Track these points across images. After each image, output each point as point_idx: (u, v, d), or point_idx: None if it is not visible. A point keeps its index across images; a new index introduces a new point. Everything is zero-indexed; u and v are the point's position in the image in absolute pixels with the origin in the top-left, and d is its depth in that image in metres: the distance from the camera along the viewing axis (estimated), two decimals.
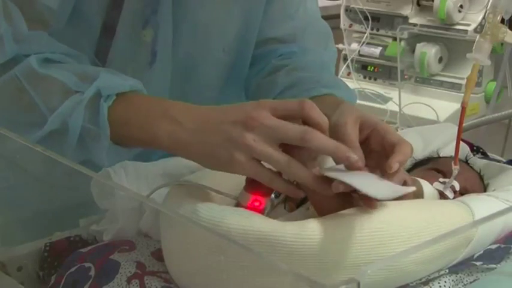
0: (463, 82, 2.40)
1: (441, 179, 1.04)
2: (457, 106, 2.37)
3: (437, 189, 1.01)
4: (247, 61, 1.26)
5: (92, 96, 0.94)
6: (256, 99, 1.00)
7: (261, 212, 0.88)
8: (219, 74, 1.23)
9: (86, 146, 0.96)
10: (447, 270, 0.86)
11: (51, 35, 1.01)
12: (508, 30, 0.98)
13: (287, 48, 1.24)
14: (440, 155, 1.20)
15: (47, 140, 0.96)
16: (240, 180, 0.90)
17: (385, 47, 2.55)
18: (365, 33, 2.55)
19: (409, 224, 0.83)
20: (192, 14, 1.13)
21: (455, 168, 0.99)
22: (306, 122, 0.84)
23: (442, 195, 1.01)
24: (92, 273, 0.90)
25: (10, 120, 0.99)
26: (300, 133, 0.82)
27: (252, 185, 0.88)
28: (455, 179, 1.01)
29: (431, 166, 1.11)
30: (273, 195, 0.94)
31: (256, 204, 0.87)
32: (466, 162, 1.17)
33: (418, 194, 0.97)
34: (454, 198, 1.02)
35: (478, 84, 2.43)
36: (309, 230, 0.79)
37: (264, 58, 1.24)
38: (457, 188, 1.03)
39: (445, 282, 0.85)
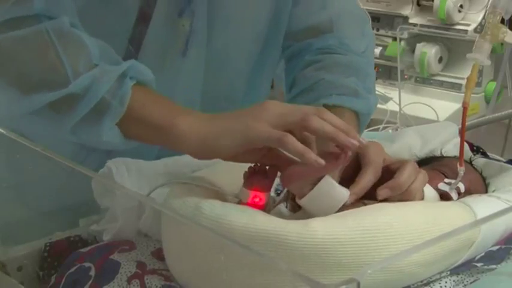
0: (463, 82, 2.40)
1: (446, 180, 1.03)
2: (457, 106, 2.37)
3: (442, 190, 1.01)
4: (277, 49, 1.26)
5: (121, 73, 0.94)
6: (291, 93, 1.15)
7: (263, 208, 0.88)
8: (249, 63, 1.24)
9: (92, 119, 0.94)
10: (448, 272, 0.86)
11: (87, 17, 1.00)
12: (508, 30, 0.98)
13: (323, 41, 1.22)
14: (444, 155, 1.19)
15: (54, 103, 0.94)
16: (240, 180, 0.90)
17: (385, 47, 2.55)
18: None
19: (411, 225, 0.83)
20: (227, 7, 1.14)
21: (461, 170, 0.98)
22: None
23: (446, 196, 1.01)
24: (92, 273, 0.90)
25: (22, 76, 0.96)
26: (310, 109, 0.87)
27: (251, 182, 0.89)
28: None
29: (435, 166, 1.11)
30: (273, 194, 0.94)
31: (257, 200, 0.88)
32: (470, 163, 1.17)
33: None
34: (458, 199, 1.02)
35: (478, 84, 2.43)
36: (311, 229, 0.79)
37: (300, 53, 1.23)
38: (462, 189, 1.03)
39: (446, 282, 0.85)
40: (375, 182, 0.91)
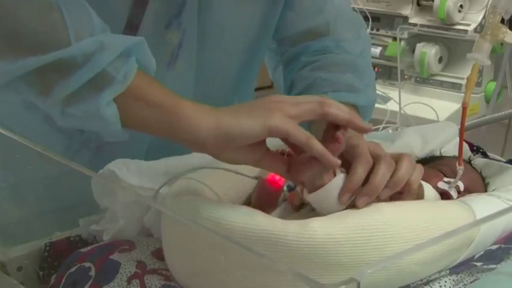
0: (463, 82, 2.40)
1: (445, 179, 1.04)
2: (457, 106, 2.37)
3: (441, 189, 1.01)
4: (264, 52, 1.26)
5: (125, 48, 0.88)
6: (290, 94, 1.14)
7: (280, 188, 0.88)
8: (239, 69, 1.24)
9: (89, 93, 0.86)
10: (448, 271, 0.86)
11: None
12: (508, 30, 0.98)
13: (320, 43, 1.22)
14: (443, 155, 1.20)
15: (45, 71, 0.86)
16: (241, 179, 0.90)
17: (385, 47, 2.55)
18: None
19: (411, 225, 0.83)
20: (219, 18, 1.14)
21: (460, 169, 0.99)
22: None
23: (446, 195, 1.01)
24: (92, 273, 0.90)
25: (18, 35, 0.87)
26: (320, 98, 0.86)
27: None
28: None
29: (435, 165, 1.11)
30: (285, 188, 0.94)
31: (277, 178, 0.88)
32: (469, 162, 1.17)
33: (419, 196, 0.97)
34: (457, 198, 1.02)
35: (478, 84, 2.43)
36: (311, 230, 0.79)
37: (297, 56, 1.23)
38: (462, 188, 1.03)
39: (446, 282, 0.85)
40: (368, 171, 0.88)
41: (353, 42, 1.23)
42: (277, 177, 0.88)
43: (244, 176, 0.92)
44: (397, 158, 0.89)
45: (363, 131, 0.88)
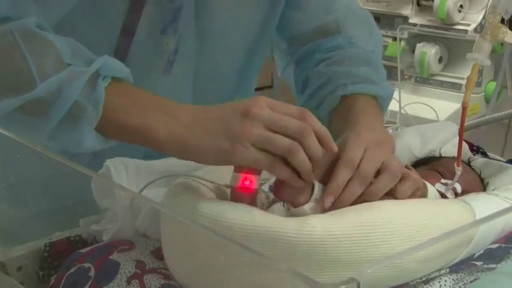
0: (463, 82, 2.40)
1: (443, 180, 1.03)
2: (457, 106, 2.37)
3: (438, 191, 1.01)
4: (264, 52, 1.27)
5: (92, 73, 0.90)
6: (306, 92, 1.13)
7: (254, 191, 0.88)
8: (236, 75, 1.24)
9: (69, 125, 0.91)
10: (447, 270, 0.86)
11: (73, 29, 0.98)
12: (508, 30, 0.98)
13: (333, 41, 1.22)
14: (442, 155, 1.19)
15: (26, 108, 0.90)
16: None
17: (385, 47, 2.55)
18: None
19: (410, 221, 0.83)
20: (218, 23, 1.14)
21: (458, 170, 0.99)
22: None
23: (443, 197, 1.01)
24: (92, 273, 0.90)
25: None
26: (299, 127, 0.84)
27: (241, 165, 0.88)
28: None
29: (433, 166, 1.11)
30: (267, 189, 0.94)
31: (247, 183, 0.88)
32: (468, 164, 1.17)
33: (423, 196, 0.97)
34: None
35: (478, 84, 2.43)
36: (310, 226, 0.79)
37: (310, 54, 1.23)
38: (459, 190, 1.03)
39: (446, 281, 0.85)
40: (351, 175, 0.90)
41: (365, 39, 1.24)
42: (248, 181, 0.88)
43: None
44: (382, 170, 0.91)
45: (331, 150, 0.88)
